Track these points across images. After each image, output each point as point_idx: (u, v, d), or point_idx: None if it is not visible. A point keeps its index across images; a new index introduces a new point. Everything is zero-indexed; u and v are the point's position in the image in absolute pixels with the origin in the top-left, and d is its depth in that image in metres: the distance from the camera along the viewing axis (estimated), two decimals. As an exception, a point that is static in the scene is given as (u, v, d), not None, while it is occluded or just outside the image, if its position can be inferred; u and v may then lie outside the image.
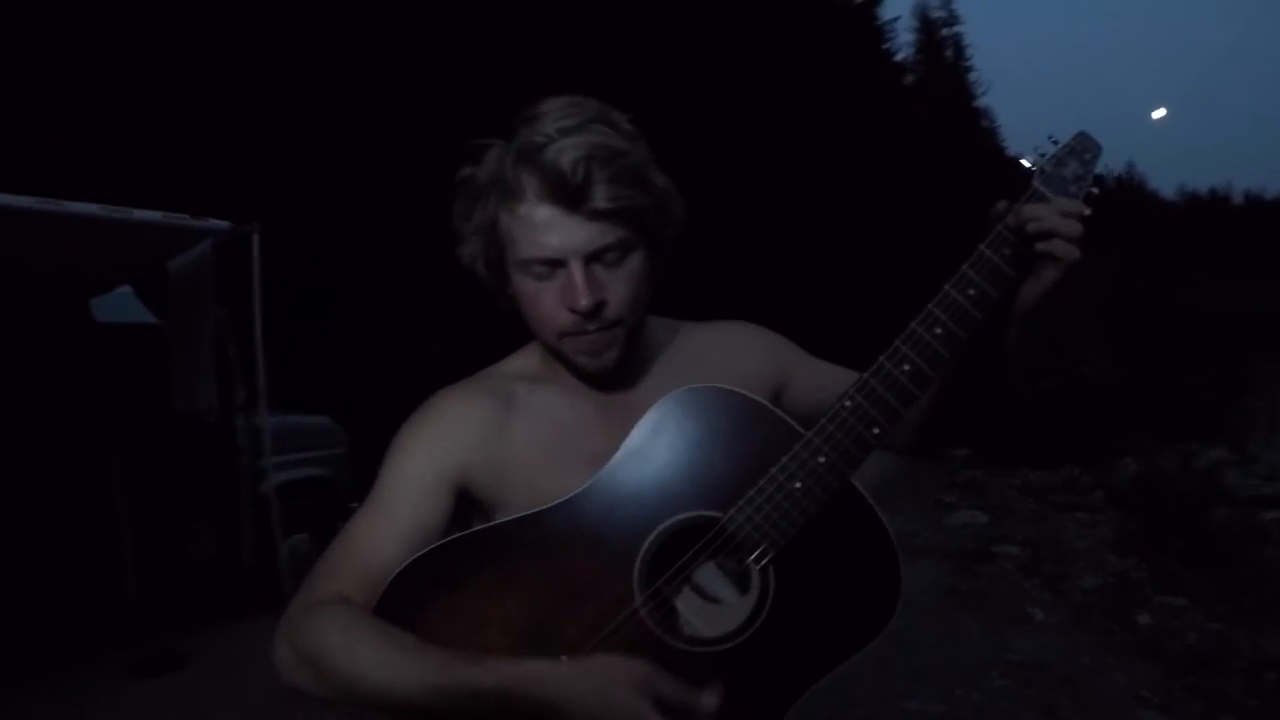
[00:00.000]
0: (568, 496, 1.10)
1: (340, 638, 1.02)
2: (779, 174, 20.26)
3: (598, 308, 1.12)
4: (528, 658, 1.00)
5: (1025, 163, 1.21)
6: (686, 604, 1.09)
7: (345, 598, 1.08)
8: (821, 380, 1.34)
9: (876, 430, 1.08)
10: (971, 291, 1.11)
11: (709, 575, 1.10)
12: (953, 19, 53.17)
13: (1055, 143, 1.21)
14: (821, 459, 1.07)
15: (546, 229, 1.10)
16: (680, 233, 1.23)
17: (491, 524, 1.13)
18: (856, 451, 1.08)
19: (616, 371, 1.21)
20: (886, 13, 32.78)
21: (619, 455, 1.11)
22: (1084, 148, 1.18)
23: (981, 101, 55.56)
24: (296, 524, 6.40)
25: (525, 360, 1.29)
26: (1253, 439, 12.84)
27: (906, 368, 1.10)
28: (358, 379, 11.26)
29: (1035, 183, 1.15)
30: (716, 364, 1.26)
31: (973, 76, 53.63)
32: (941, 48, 52.28)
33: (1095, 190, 1.17)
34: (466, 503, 1.20)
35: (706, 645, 1.07)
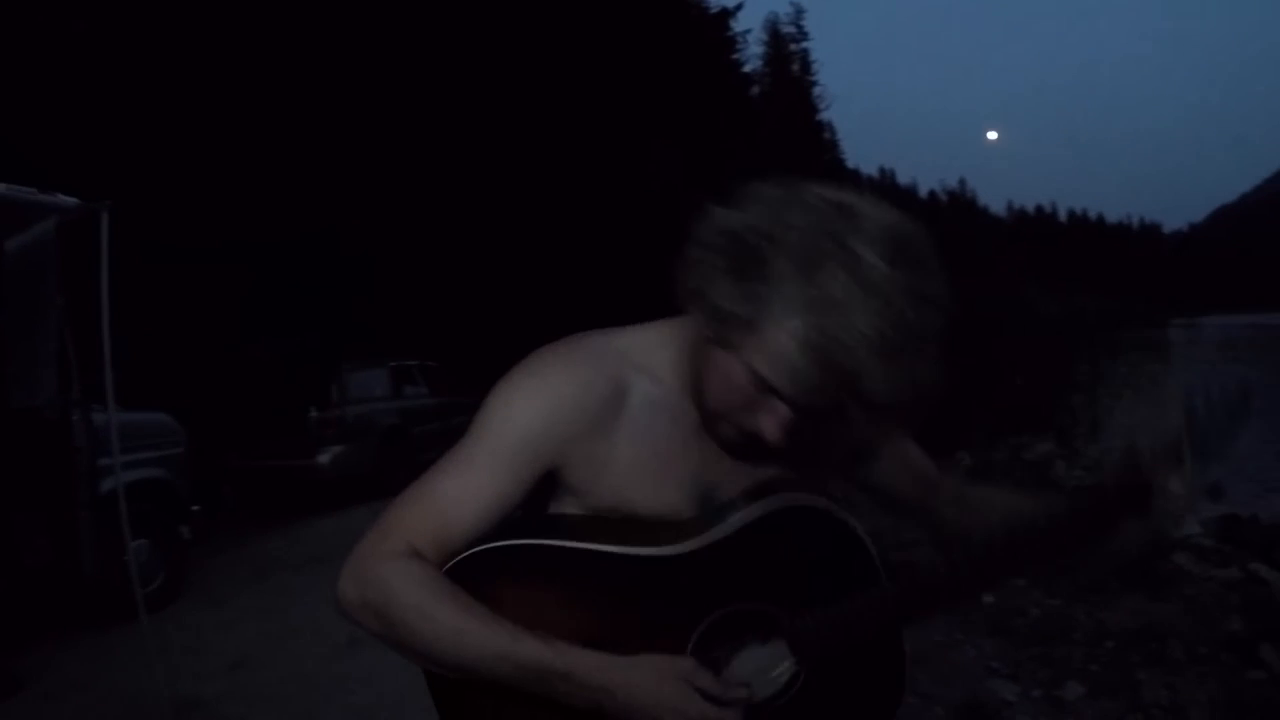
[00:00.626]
0: (657, 553, 1.10)
1: (417, 596, 1.03)
2: (623, 173, 20.45)
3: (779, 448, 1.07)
4: (589, 650, 1.03)
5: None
6: (729, 677, 1.11)
7: (420, 554, 1.07)
8: (908, 460, 1.37)
9: (944, 608, 1.16)
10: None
11: (762, 661, 1.14)
12: (802, 35, 55.19)
13: (1214, 396, 1.12)
14: (893, 609, 1.14)
15: (794, 370, 1.00)
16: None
17: (572, 546, 1.10)
18: (921, 612, 1.15)
19: None
20: (739, 24, 33.39)
21: (718, 530, 1.11)
22: (1242, 407, 1.12)
23: (824, 115, 57.73)
24: (134, 529, 6.02)
25: (652, 351, 1.18)
26: (1077, 434, 13.83)
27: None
28: (200, 374, 10.76)
29: (1181, 443, 1.11)
30: None
31: (817, 91, 55.56)
32: (789, 62, 54.07)
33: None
34: (552, 480, 1.16)
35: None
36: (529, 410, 1.11)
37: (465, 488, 1.09)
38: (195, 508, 6.85)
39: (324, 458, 9.86)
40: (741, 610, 1.12)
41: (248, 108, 12.37)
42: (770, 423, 1.04)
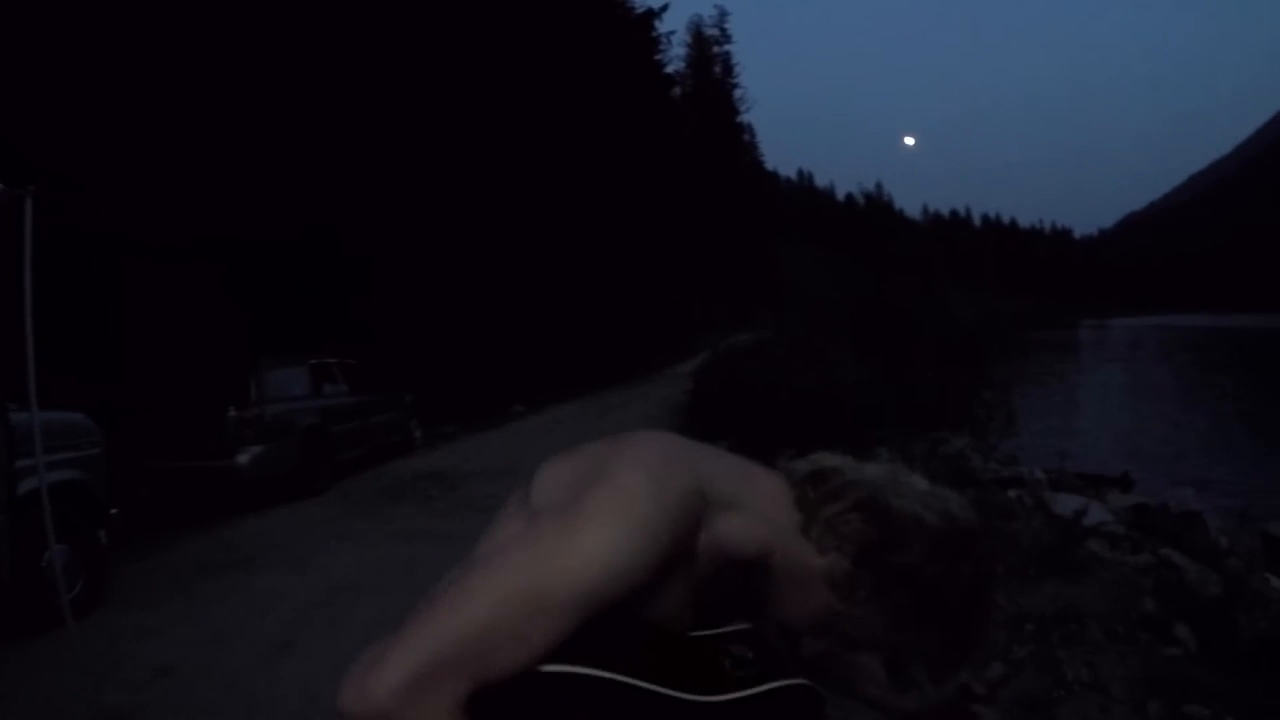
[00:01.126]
0: (701, 700, 0.97)
1: None
2: (540, 173, 20.44)
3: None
4: None
5: None
6: None
7: (461, 706, 0.87)
8: None
9: None
10: None
11: None
12: (725, 38, 55.71)
13: None
14: None
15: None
16: None
17: (638, 685, 0.94)
18: None
19: None
20: (663, 26, 33.58)
21: (749, 689, 1.01)
22: None
23: (745, 118, 58.45)
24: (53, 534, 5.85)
25: (700, 540, 1.02)
26: (992, 429, 14.27)
27: None
28: (114, 371, 10.44)
29: None
30: None
31: (738, 93, 56.20)
32: (711, 64, 54.55)
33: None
34: None
35: None
36: (647, 535, 0.91)
37: (534, 625, 0.88)
38: (114, 511, 6.65)
39: (243, 458, 9.63)
40: None
41: (189, 101, 12.10)
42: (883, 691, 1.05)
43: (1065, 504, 7.76)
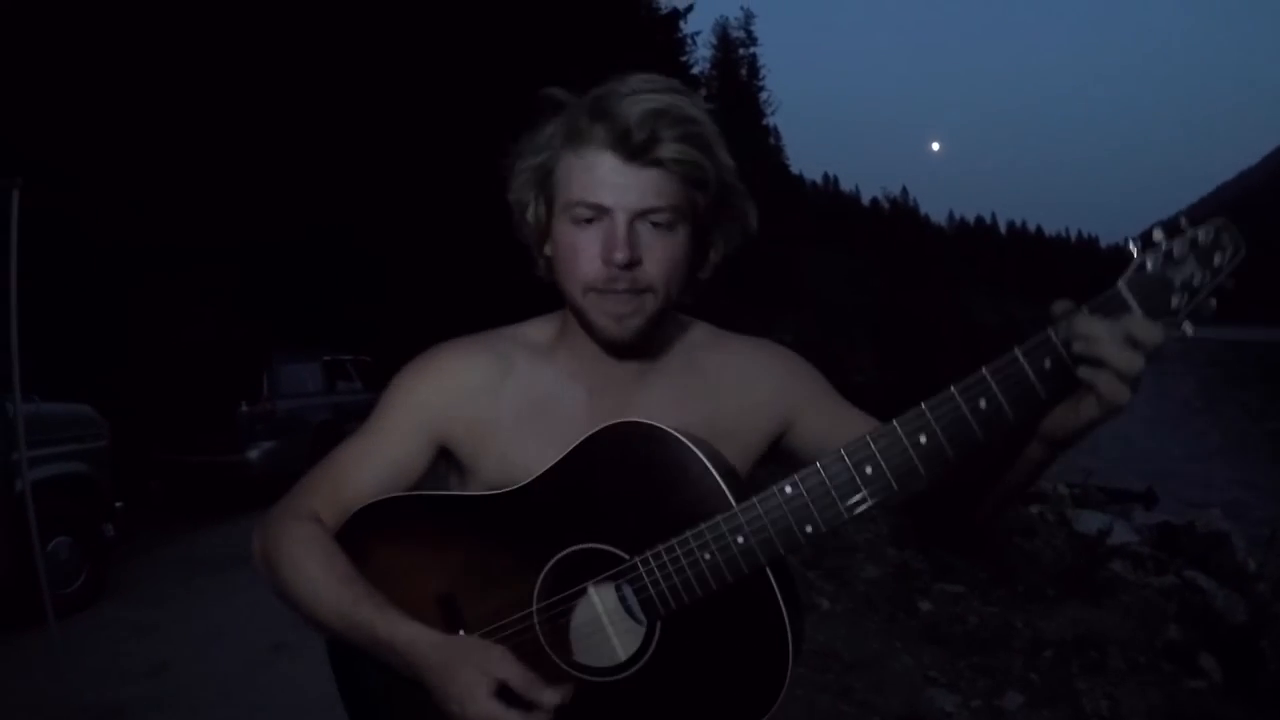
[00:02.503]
0: (502, 491, 1.11)
1: (293, 550, 1.14)
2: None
3: (631, 265, 1.06)
4: (419, 622, 1.06)
5: (1132, 248, 0.91)
6: (578, 628, 1.08)
7: (316, 515, 1.18)
8: (832, 425, 1.20)
9: (809, 529, 0.97)
10: (983, 404, 0.90)
11: (604, 608, 1.07)
12: (750, 40, 55.58)
13: (1184, 229, 0.89)
14: (740, 540, 0.98)
15: (602, 175, 1.06)
16: (740, 245, 1.21)
17: (441, 492, 1.18)
18: (782, 544, 0.98)
19: (625, 353, 1.16)
20: (689, 27, 33.45)
21: (556, 464, 1.08)
22: (1218, 244, 0.88)
23: (770, 120, 58.22)
24: (54, 527, 5.77)
25: (539, 329, 1.26)
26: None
27: (868, 470, 0.95)
28: (126, 364, 10.40)
29: (1121, 284, 0.89)
30: (724, 386, 1.21)
31: (764, 96, 55.98)
32: (737, 66, 54.40)
33: (1214, 303, 0.89)
34: (445, 455, 1.24)
35: (581, 671, 1.07)
36: (418, 384, 1.23)
37: (362, 455, 1.21)
38: (118, 504, 6.59)
39: (253, 454, 9.55)
40: (586, 551, 1.06)
41: (201, 104, 12.11)
42: (613, 240, 1.06)
43: (1089, 522, 7.58)
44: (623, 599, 1.06)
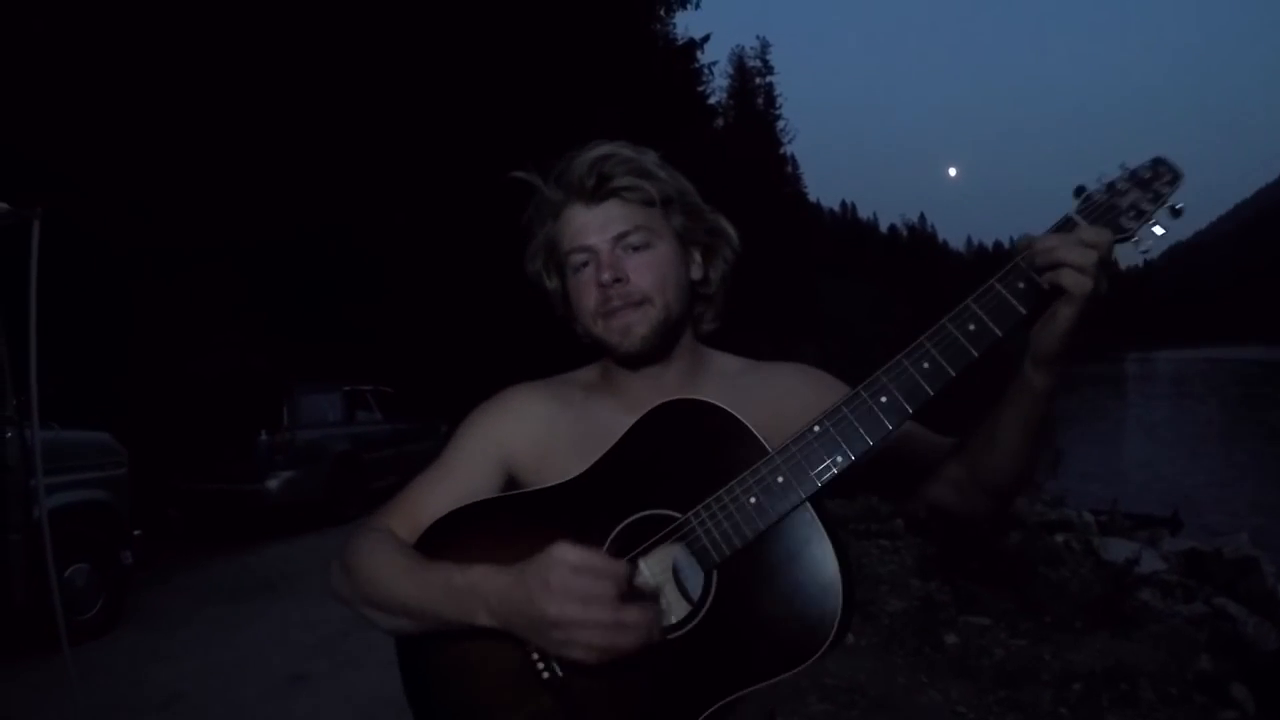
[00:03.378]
0: (562, 481, 1.21)
1: (369, 546, 1.25)
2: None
3: (617, 281, 1.24)
4: (489, 566, 1.13)
5: (1085, 189, 1.08)
6: (645, 589, 1.13)
7: (389, 529, 1.30)
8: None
9: (840, 458, 1.07)
10: (971, 327, 1.05)
11: (666, 567, 1.15)
12: (767, 69, 55.82)
13: (1124, 167, 1.08)
14: (780, 479, 1.08)
15: (578, 224, 1.28)
16: (732, 259, 1.37)
17: (505, 494, 1.29)
18: (815, 476, 1.07)
19: (663, 378, 1.32)
20: (706, 57, 33.56)
21: (610, 450, 1.20)
22: (1155, 175, 1.07)
23: (787, 149, 58.32)
24: (73, 553, 5.79)
25: (588, 372, 1.44)
26: (1040, 467, 13.87)
27: (884, 399, 1.07)
28: (145, 391, 10.45)
29: (1072, 211, 1.05)
30: (768, 399, 1.31)
31: (780, 125, 56.13)
32: (754, 95, 54.60)
33: (1159, 228, 1.06)
34: (514, 482, 1.35)
35: None
36: (486, 419, 1.39)
37: (435, 481, 1.34)
38: (137, 531, 6.59)
39: (273, 483, 9.55)
40: (644, 519, 1.15)
41: (217, 119, 12.19)
42: (600, 266, 1.25)
43: (1116, 550, 7.46)
44: (679, 557, 1.14)
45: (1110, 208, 1.05)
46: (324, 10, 14.04)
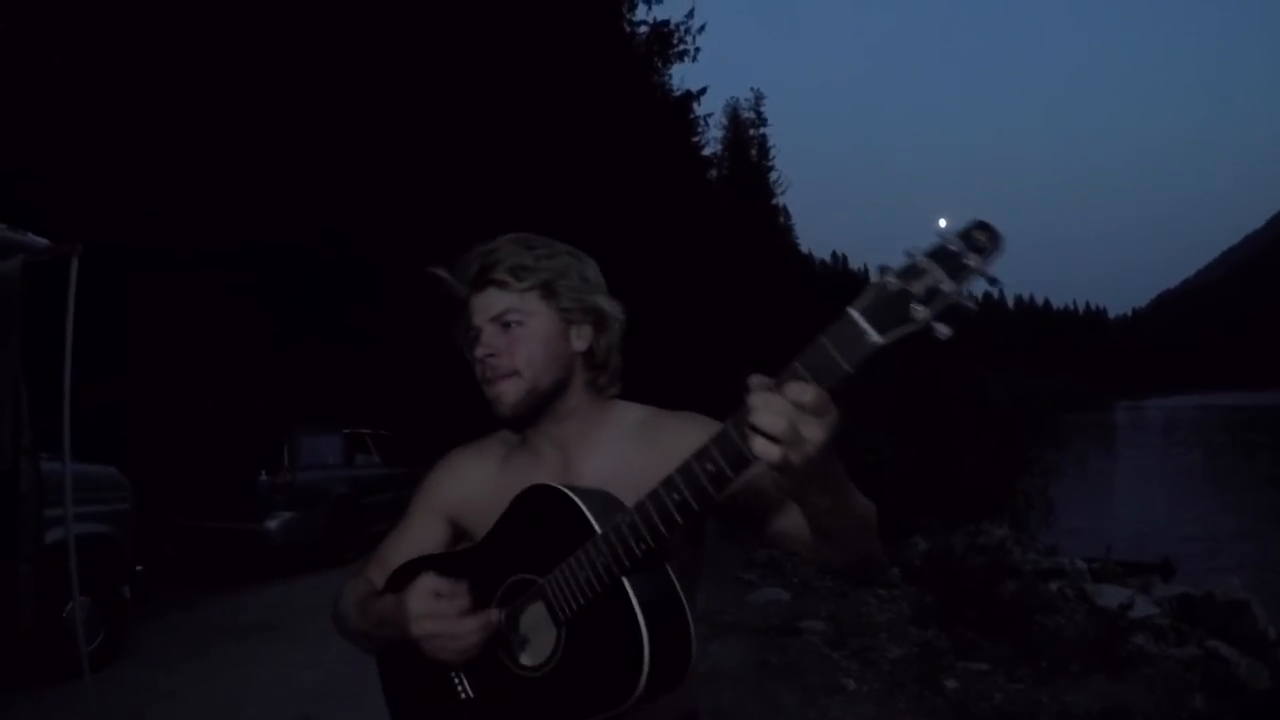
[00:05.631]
0: (470, 545, 1.54)
1: (345, 589, 1.61)
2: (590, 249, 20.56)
3: (491, 355, 1.44)
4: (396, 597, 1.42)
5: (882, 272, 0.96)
6: (515, 636, 1.39)
7: (367, 575, 1.63)
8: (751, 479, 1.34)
9: (644, 546, 1.20)
10: (709, 467, 1.10)
11: (537, 619, 1.36)
12: (761, 120, 56.47)
13: (939, 232, 0.93)
14: (600, 559, 1.24)
15: (470, 308, 1.48)
16: (618, 328, 1.54)
17: (437, 553, 1.58)
18: (625, 560, 1.22)
19: (556, 427, 1.51)
20: (701, 109, 34.03)
21: (498, 522, 1.44)
22: (968, 247, 0.91)
23: (780, 200, 58.84)
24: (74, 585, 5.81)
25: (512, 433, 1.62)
26: (1032, 519, 13.95)
27: (657, 513, 1.18)
28: (147, 427, 10.47)
29: (850, 310, 0.96)
30: (660, 443, 1.43)
31: (773, 176, 56.65)
32: (747, 146, 55.18)
33: (966, 309, 0.91)
34: (460, 529, 1.62)
35: (518, 667, 1.39)
36: (431, 482, 1.67)
37: (399, 534, 1.65)
38: (139, 567, 6.61)
39: (272, 523, 9.58)
40: (520, 580, 1.38)
41: (223, 143, 12.27)
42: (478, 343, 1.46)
43: (1110, 596, 7.53)
44: (535, 614, 1.36)
45: (903, 296, 0.93)
46: (329, 32, 14.14)
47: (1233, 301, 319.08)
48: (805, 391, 0.98)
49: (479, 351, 1.44)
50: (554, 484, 1.37)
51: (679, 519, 1.16)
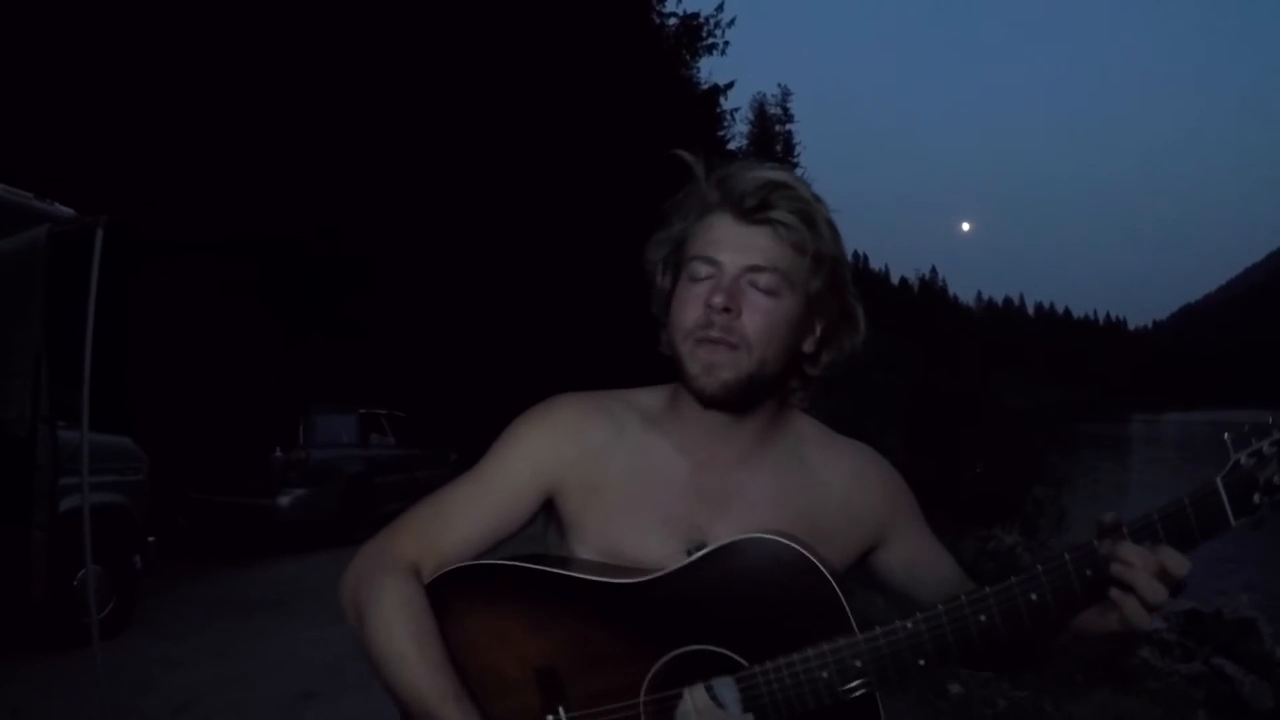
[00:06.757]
0: (626, 582, 1.13)
1: (388, 613, 1.13)
2: (610, 243, 20.61)
3: (726, 310, 1.13)
4: (478, 715, 1.08)
5: (1229, 444, 1.03)
6: (683, 717, 1.10)
7: (414, 566, 1.18)
8: (918, 555, 1.31)
9: (922, 662, 1.06)
10: (1033, 596, 1.03)
11: (711, 707, 1.10)
12: (787, 117, 56.58)
13: (1271, 429, 1.01)
14: (858, 663, 1.07)
15: (718, 234, 1.17)
16: (850, 348, 1.26)
17: (553, 570, 1.17)
18: (894, 673, 1.07)
19: (729, 428, 1.22)
20: (728, 103, 34.02)
21: (685, 564, 1.13)
22: None
23: (804, 198, 58.68)
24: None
25: (651, 397, 1.30)
26: (1043, 526, 13.87)
27: (982, 619, 1.06)
28: (163, 399, 10.56)
29: (1217, 480, 1.01)
30: (830, 485, 1.26)
31: (798, 173, 56.57)
32: (772, 142, 55.17)
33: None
34: (547, 509, 1.27)
35: None
36: (535, 434, 1.25)
37: (470, 498, 1.23)
38: (151, 538, 6.67)
39: (284, 500, 9.65)
40: (705, 652, 1.11)
41: (237, 129, 12.35)
42: (717, 287, 1.14)
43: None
44: (728, 700, 1.09)
45: (1251, 482, 1.00)
46: (334, 35, 14.20)
47: (1253, 318, 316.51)
48: (1181, 567, 0.99)
49: (718, 299, 1.12)
50: (805, 551, 1.09)
51: (978, 642, 1.04)
